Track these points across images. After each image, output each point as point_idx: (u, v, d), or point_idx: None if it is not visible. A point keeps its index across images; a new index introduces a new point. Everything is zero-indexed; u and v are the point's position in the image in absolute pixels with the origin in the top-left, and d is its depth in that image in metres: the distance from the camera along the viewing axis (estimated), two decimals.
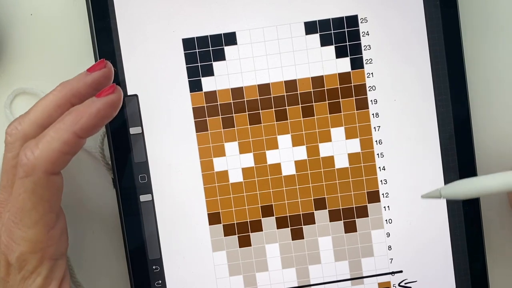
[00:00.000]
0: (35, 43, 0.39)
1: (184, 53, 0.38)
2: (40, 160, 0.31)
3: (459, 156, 0.38)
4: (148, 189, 0.38)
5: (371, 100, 0.38)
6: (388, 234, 0.39)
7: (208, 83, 0.38)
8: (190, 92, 0.38)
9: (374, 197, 0.39)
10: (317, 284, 0.39)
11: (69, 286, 0.34)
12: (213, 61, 0.38)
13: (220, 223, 0.39)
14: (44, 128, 0.32)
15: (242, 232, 0.39)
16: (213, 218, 0.38)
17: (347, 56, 0.38)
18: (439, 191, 0.32)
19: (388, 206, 0.39)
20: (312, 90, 0.38)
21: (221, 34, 0.38)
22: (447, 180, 0.38)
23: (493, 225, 0.40)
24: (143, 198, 0.38)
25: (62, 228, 0.33)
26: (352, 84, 0.38)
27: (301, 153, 0.38)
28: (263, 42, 0.38)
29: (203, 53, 0.38)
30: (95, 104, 0.32)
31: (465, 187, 0.32)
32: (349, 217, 0.39)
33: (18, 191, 0.31)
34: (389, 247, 0.39)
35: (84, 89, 0.33)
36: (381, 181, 0.39)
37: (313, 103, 0.38)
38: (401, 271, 0.39)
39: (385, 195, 0.39)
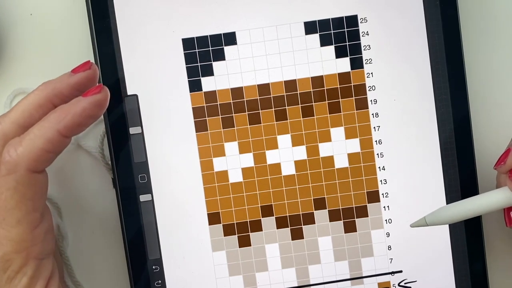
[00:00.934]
0: (35, 43, 0.39)
1: (184, 53, 0.38)
2: (22, 157, 0.31)
3: (459, 156, 0.38)
4: (148, 189, 0.38)
5: (371, 100, 0.38)
6: (388, 234, 0.39)
7: (208, 83, 0.38)
8: (190, 92, 0.38)
9: (374, 197, 0.39)
10: (317, 284, 0.39)
11: (57, 285, 0.33)
12: (213, 61, 0.38)
13: (220, 223, 0.39)
14: (25, 128, 0.32)
15: (242, 232, 0.39)
16: (213, 218, 0.38)
17: (347, 56, 0.38)
18: (424, 219, 0.34)
19: (388, 206, 0.39)
20: (312, 90, 0.38)
21: (221, 34, 0.38)
22: (447, 179, 0.38)
23: (493, 225, 0.40)
24: (143, 198, 0.38)
25: (48, 227, 0.33)
26: (352, 84, 0.38)
27: (301, 153, 0.38)
28: (263, 42, 0.38)
29: (203, 53, 0.38)
30: (80, 103, 0.32)
31: (447, 213, 0.34)
32: (349, 217, 0.39)
33: (0, 190, 0.31)
34: (389, 247, 0.39)
35: (66, 90, 0.33)
36: (381, 181, 0.39)
37: (313, 103, 0.38)
38: (401, 271, 0.39)
39: (385, 195, 0.39)
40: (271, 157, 0.38)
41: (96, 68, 0.34)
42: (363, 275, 0.39)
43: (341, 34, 0.38)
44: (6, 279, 0.32)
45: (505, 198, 0.33)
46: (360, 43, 0.38)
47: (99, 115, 0.33)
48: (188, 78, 0.38)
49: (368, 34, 0.38)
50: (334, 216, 0.39)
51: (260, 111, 0.38)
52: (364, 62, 0.38)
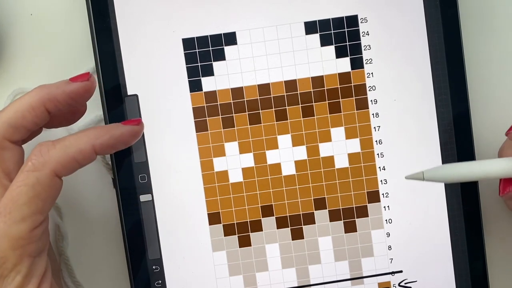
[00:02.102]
0: (35, 43, 0.39)
1: (184, 53, 0.38)
2: (53, 158, 0.32)
3: (459, 156, 0.38)
4: (148, 189, 0.38)
5: (371, 100, 0.38)
6: (388, 234, 0.39)
7: (208, 83, 0.38)
8: (190, 92, 0.38)
9: (374, 197, 0.39)
10: (317, 284, 0.39)
11: (50, 283, 0.33)
12: (213, 61, 0.38)
13: (220, 223, 0.39)
14: (16, 128, 0.33)
15: (242, 232, 0.39)
16: (213, 218, 0.38)
17: (347, 56, 0.38)
18: (422, 173, 0.34)
19: (388, 206, 0.39)
20: (312, 90, 0.38)
21: (221, 34, 0.38)
22: None
23: (493, 225, 0.40)
24: (143, 198, 0.38)
25: (45, 228, 0.33)
26: (352, 84, 0.38)
27: (301, 153, 0.38)
28: (263, 42, 0.38)
29: (203, 53, 0.38)
30: (119, 128, 0.34)
31: (446, 172, 0.33)
32: (349, 217, 0.39)
33: (17, 183, 0.31)
34: (389, 247, 0.39)
35: (61, 97, 0.33)
36: (381, 181, 0.39)
37: (313, 103, 0.38)
38: (401, 271, 0.39)
39: (385, 195, 0.39)
40: (271, 157, 0.38)
41: (94, 80, 0.34)
42: (363, 275, 0.39)
43: (341, 34, 0.38)
44: None
45: (509, 168, 0.33)
46: (360, 43, 0.38)
47: (130, 144, 0.35)
48: (188, 78, 0.38)
49: (368, 34, 0.38)
50: (334, 216, 0.39)
51: (260, 111, 0.38)
52: (364, 62, 0.38)
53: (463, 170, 0.33)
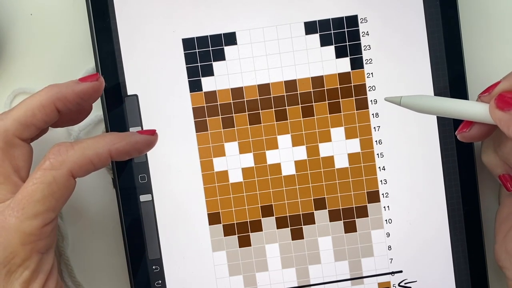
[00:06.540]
0: (35, 43, 0.39)
1: (184, 53, 0.38)
2: (71, 158, 0.32)
3: (459, 156, 0.38)
4: (148, 189, 0.38)
5: (371, 100, 0.38)
6: (388, 234, 0.39)
7: (208, 83, 0.38)
8: (190, 92, 0.38)
9: (374, 197, 0.39)
10: (317, 284, 0.39)
11: (56, 280, 0.34)
12: (213, 61, 0.38)
13: (220, 223, 0.39)
14: (26, 126, 0.33)
15: (242, 232, 0.39)
16: (213, 218, 0.39)
17: (347, 56, 0.38)
18: (400, 98, 0.34)
19: (388, 206, 0.39)
20: (312, 90, 0.38)
21: (221, 34, 0.38)
22: (447, 179, 0.38)
23: (493, 225, 0.40)
24: (143, 198, 0.38)
25: (54, 225, 0.33)
26: (352, 84, 0.38)
27: (301, 153, 0.38)
28: (263, 42, 0.38)
29: (203, 53, 0.38)
30: (135, 137, 0.35)
31: (424, 102, 0.33)
32: (349, 217, 0.39)
33: (34, 180, 0.32)
34: (389, 247, 0.39)
35: (70, 96, 0.34)
36: (381, 181, 0.39)
37: (313, 103, 0.38)
38: (401, 271, 0.39)
39: (385, 195, 0.39)
40: (271, 157, 0.38)
41: (102, 80, 0.35)
42: (363, 275, 0.39)
43: (341, 34, 0.38)
44: (5, 272, 0.32)
45: (484, 113, 0.33)
46: (360, 43, 0.38)
47: (144, 153, 0.36)
48: (188, 78, 0.38)
49: (368, 34, 0.38)
50: (334, 216, 0.39)
51: (260, 111, 0.38)
52: (364, 62, 0.38)
53: (439, 105, 0.33)
